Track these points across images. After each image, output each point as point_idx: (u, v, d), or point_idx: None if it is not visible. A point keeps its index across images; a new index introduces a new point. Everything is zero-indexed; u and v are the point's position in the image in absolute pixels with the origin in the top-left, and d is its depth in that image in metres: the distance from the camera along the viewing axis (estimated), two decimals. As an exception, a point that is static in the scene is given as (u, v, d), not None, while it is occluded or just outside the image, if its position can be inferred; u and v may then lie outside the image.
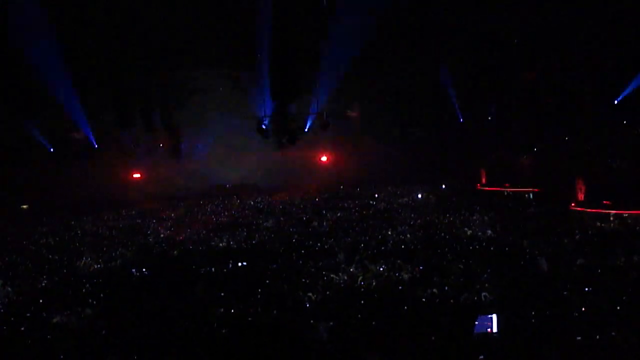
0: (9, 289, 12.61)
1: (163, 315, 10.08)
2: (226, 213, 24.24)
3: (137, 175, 33.08)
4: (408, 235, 16.70)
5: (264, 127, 21.68)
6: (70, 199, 28.50)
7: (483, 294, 10.24)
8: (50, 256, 16.45)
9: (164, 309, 10.44)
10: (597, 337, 8.00)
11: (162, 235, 19.40)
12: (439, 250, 14.34)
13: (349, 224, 19.48)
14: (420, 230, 17.44)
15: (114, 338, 9.07)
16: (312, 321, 9.21)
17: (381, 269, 12.57)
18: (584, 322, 8.58)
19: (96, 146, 29.98)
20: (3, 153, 27.72)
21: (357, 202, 25.01)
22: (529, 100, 26.45)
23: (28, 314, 10.56)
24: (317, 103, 25.87)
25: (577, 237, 15.43)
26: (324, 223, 20.09)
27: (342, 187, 31.32)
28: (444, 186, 28.85)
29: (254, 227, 20.17)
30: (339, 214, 21.91)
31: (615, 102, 22.39)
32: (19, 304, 11.62)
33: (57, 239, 19.61)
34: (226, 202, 27.87)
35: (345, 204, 24.39)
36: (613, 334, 8.07)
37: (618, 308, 9.19)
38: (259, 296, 11.07)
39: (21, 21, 20.53)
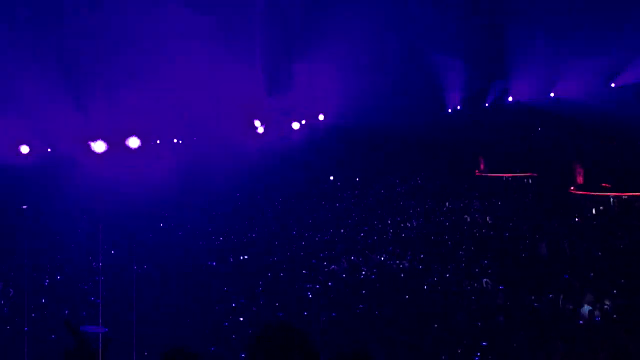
0: (11, 289, 12.62)
1: (166, 311, 10.10)
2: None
3: None
4: (408, 224, 16.73)
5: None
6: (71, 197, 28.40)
7: (484, 280, 10.27)
8: (51, 255, 16.43)
9: (167, 305, 10.46)
10: (599, 320, 8.03)
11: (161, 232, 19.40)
12: (439, 238, 14.37)
13: (348, 214, 19.50)
14: (420, 218, 17.47)
15: (119, 336, 9.08)
16: (314, 312, 9.24)
17: (382, 259, 12.59)
18: (585, 306, 8.60)
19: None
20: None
21: (355, 192, 25.00)
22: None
23: (32, 315, 10.56)
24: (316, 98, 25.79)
25: (577, 220, 15.47)
26: (323, 214, 20.11)
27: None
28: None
29: (253, 220, 20.18)
30: (337, 205, 21.91)
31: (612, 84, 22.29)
32: (21, 304, 11.63)
33: (58, 237, 19.57)
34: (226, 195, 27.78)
35: (345, 194, 24.38)
36: (615, 316, 8.11)
37: (618, 292, 9.22)
38: (260, 289, 11.10)
39: None
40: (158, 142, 30.89)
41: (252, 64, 23.98)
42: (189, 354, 1.66)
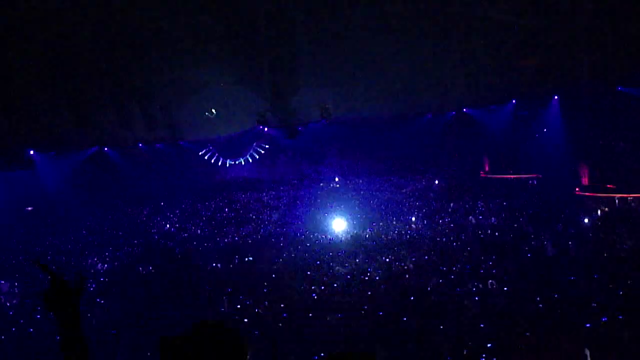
0: (16, 290, 12.67)
1: (170, 311, 10.11)
2: (230, 208, 24.23)
3: None
4: (413, 226, 16.71)
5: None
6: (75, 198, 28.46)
7: (490, 281, 10.24)
8: (56, 257, 16.49)
9: (171, 305, 10.47)
10: (604, 320, 8.00)
11: (167, 232, 19.43)
12: (444, 239, 14.34)
13: (353, 215, 19.48)
14: (425, 219, 17.44)
15: (123, 336, 9.10)
16: (319, 313, 9.24)
17: (387, 260, 12.58)
18: (591, 306, 8.57)
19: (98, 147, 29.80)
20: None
21: (361, 192, 24.96)
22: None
23: (38, 316, 10.60)
24: (319, 96, 25.67)
25: (583, 221, 15.40)
26: (328, 216, 20.09)
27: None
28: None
29: (259, 221, 20.19)
30: (341, 206, 21.88)
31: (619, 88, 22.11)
32: (26, 305, 11.67)
33: (63, 239, 19.64)
34: (230, 197, 27.81)
35: (348, 196, 24.33)
36: (620, 317, 8.07)
37: (623, 292, 9.18)
38: (265, 290, 11.11)
39: None
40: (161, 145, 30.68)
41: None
42: (184, 338, 1.65)
